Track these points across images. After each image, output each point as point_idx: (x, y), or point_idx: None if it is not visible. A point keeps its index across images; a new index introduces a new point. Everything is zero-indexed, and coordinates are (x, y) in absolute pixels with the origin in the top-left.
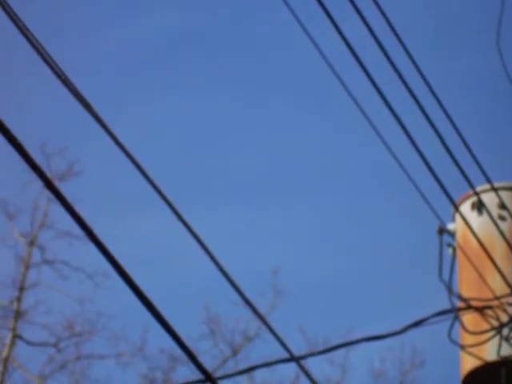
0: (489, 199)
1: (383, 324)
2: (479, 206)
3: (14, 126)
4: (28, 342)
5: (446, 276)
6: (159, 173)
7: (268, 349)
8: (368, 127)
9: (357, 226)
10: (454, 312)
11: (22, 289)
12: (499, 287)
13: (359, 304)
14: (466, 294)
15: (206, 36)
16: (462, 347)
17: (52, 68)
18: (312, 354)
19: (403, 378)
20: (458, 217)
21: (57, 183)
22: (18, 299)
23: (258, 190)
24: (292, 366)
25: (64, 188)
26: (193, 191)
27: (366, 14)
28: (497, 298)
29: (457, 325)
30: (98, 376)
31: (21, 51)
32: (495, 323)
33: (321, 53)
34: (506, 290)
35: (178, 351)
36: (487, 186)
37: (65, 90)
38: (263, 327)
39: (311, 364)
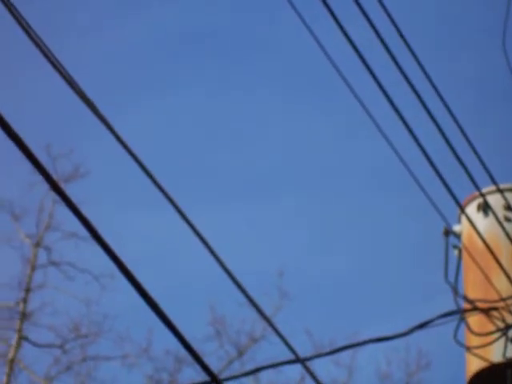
0: (495, 201)
1: (388, 325)
2: (485, 208)
3: (19, 127)
4: (34, 344)
5: (451, 277)
6: (162, 172)
7: (274, 350)
8: (374, 128)
9: (362, 227)
10: (460, 313)
11: (28, 290)
12: (505, 288)
13: (364, 304)
14: (471, 295)
15: (208, 35)
16: (468, 349)
17: (57, 69)
18: (318, 356)
19: (409, 380)
20: (463, 218)
21: (62, 185)
22: (24, 300)
23: (262, 189)
24: (298, 368)
25: (69, 189)
26: (196, 191)
27: (369, 12)
28: (503, 300)
29: (462, 326)
30: (103, 377)
31: (25, 52)
32: (501, 324)
33: (325, 53)
34: None
35: (184, 352)
36: (493, 188)
37: (70, 91)
38: (269, 328)
39: (317, 365)
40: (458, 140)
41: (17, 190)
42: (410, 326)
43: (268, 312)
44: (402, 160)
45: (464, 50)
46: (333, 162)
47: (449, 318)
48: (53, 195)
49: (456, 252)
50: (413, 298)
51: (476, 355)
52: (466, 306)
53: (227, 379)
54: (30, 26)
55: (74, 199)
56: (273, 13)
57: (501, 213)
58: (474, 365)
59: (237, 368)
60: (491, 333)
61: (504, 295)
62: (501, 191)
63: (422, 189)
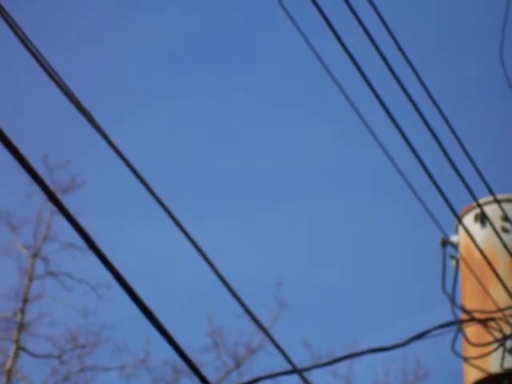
0: (492, 211)
1: (386, 335)
2: (482, 218)
3: (16, 137)
4: (31, 354)
5: (449, 288)
6: (159, 180)
7: (271, 361)
8: (371, 138)
9: (360, 237)
10: (457, 324)
11: (25, 301)
12: (502, 299)
13: (362, 315)
14: (469, 306)
15: (208, 40)
16: (466, 359)
17: (53, 79)
18: (316, 366)
19: None
20: (461, 229)
21: (59, 196)
22: (22, 311)
23: (259, 198)
24: (295, 379)
25: (66, 200)
26: (192, 199)
27: (364, 20)
28: (500, 310)
29: (460, 337)
30: None
31: (21, 62)
32: (498, 335)
33: (321, 61)
34: (510, 302)
35: (182, 363)
36: (490, 198)
37: (66, 101)
38: (266, 339)
39: (315, 376)
40: (455, 150)
41: (14, 201)
42: (407, 337)
43: (266, 322)
44: (399, 170)
45: (463, 57)
46: (332, 168)
47: (446, 328)
48: (50, 206)
49: (453, 262)
50: (410, 309)
51: (474, 366)
52: (463, 316)
53: None
54: (25, 35)
55: (71, 210)
56: (273, 17)
57: (498, 223)
58: (472, 375)
59: (234, 379)
60: (489, 343)
61: (501, 306)
62: (498, 202)
63: (420, 199)
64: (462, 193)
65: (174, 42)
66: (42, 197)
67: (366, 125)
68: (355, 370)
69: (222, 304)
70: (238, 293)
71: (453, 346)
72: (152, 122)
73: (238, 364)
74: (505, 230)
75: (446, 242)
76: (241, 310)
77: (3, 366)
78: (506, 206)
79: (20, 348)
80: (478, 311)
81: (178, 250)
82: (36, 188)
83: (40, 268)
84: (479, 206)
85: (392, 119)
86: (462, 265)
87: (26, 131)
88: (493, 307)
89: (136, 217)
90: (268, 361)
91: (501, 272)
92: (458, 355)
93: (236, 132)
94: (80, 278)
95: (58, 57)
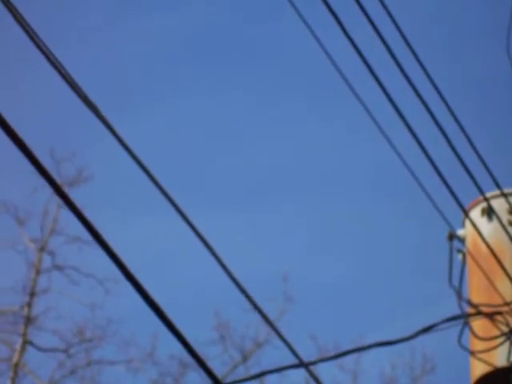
0: (499, 205)
1: (393, 329)
2: (489, 212)
3: (22, 131)
4: (38, 348)
5: (455, 282)
6: (165, 176)
7: (278, 355)
8: (375, 132)
9: (365, 231)
10: (464, 318)
11: (32, 294)
12: (509, 293)
13: (369, 308)
14: (475, 299)
15: (210, 39)
16: (472, 353)
17: (60, 72)
18: (322, 360)
19: None
20: (467, 223)
21: (66, 189)
22: (29, 305)
23: (265, 193)
24: (302, 372)
25: (73, 194)
26: (197, 196)
27: (372, 15)
28: (507, 304)
29: (466, 331)
30: (108, 382)
31: (28, 55)
32: (505, 329)
33: (329, 56)
34: None
35: (188, 357)
36: (497, 192)
37: (73, 95)
38: (273, 333)
39: (321, 370)
40: (461, 144)
41: (21, 194)
42: (414, 331)
43: (272, 316)
44: (405, 164)
45: (468, 51)
46: (334, 166)
47: (453, 322)
48: (57, 199)
49: (460, 256)
50: (417, 303)
51: (480, 359)
52: (470, 310)
53: (231, 383)
54: (32, 29)
55: (78, 203)
56: (274, 15)
57: (505, 217)
58: (478, 369)
59: (241, 372)
60: (495, 337)
61: (508, 300)
62: (505, 196)
63: (426, 193)
64: (468, 187)
65: (175, 42)
66: (48, 190)
67: (373, 118)
68: (362, 364)
69: (228, 298)
70: (245, 287)
71: (459, 340)
72: (152, 121)
73: (245, 358)
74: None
75: (452, 236)
76: (247, 304)
77: (10, 359)
78: None
79: (27, 342)
80: (484, 305)
81: (185, 244)
82: (42, 181)
83: (47, 262)
84: (486, 199)
85: (398, 113)
86: (468, 259)
87: (32, 124)
88: (499, 301)
89: (142, 210)
90: (275, 354)
91: (507, 266)
92: (465, 349)
93: (237, 131)
94: (87, 272)
95: (63, 51)
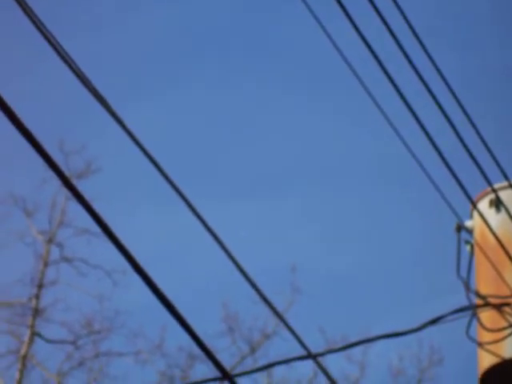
0: (507, 196)
1: (400, 320)
2: (497, 203)
3: (31, 123)
4: (46, 340)
5: (463, 273)
6: (173, 168)
7: (286, 346)
8: (383, 124)
9: (373, 223)
10: (472, 309)
11: (40, 286)
12: None
13: (376, 300)
14: (483, 291)
15: (216, 33)
16: (480, 344)
17: (69, 65)
18: (330, 352)
19: (421, 376)
20: (475, 214)
21: (75, 181)
22: (37, 297)
23: (271, 186)
24: (310, 364)
25: (81, 186)
26: (205, 188)
27: (380, 8)
28: None
29: (474, 322)
30: (116, 373)
31: (37, 49)
32: None
33: (336, 47)
34: None
35: (197, 349)
36: (505, 183)
37: (82, 87)
38: (281, 324)
39: (329, 361)
40: (470, 135)
41: (29, 187)
42: (422, 322)
43: (280, 308)
44: (413, 156)
45: (476, 43)
46: (342, 158)
47: (461, 313)
48: (65, 191)
49: (468, 248)
50: (425, 294)
51: (488, 351)
52: (478, 301)
53: (239, 375)
54: (42, 23)
55: (86, 195)
56: (279, 10)
57: None
58: (486, 360)
59: (249, 364)
60: (503, 328)
61: None
62: None
63: (435, 184)
64: (476, 178)
65: (188, 32)
66: (57, 182)
67: (381, 110)
68: (369, 355)
69: (237, 290)
70: (253, 279)
71: (467, 331)
72: (161, 112)
73: (253, 349)
74: None
75: (460, 228)
76: (256, 296)
77: (18, 351)
78: None
79: (35, 334)
80: (492, 296)
81: (194, 236)
82: (51, 173)
83: (55, 254)
84: (494, 191)
85: (407, 105)
86: (476, 250)
87: (41, 117)
88: (507, 292)
89: (151, 202)
90: (283, 346)
91: None
92: (473, 340)
93: (246, 123)
94: (95, 264)
95: (70, 44)
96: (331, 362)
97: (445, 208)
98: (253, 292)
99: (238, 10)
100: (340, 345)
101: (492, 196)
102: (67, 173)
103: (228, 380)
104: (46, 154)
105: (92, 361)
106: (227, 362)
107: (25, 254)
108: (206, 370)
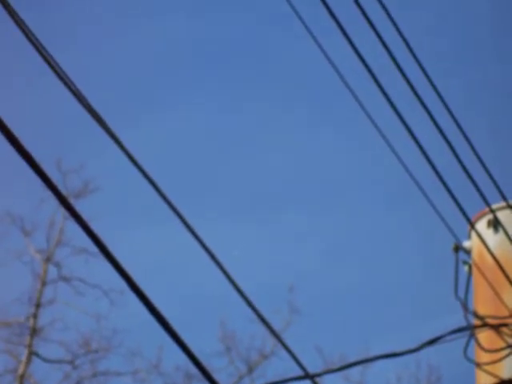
0: (505, 217)
1: (398, 340)
2: (495, 224)
3: (29, 142)
4: (44, 359)
5: (461, 293)
6: (171, 186)
7: (284, 366)
8: (383, 143)
9: (371, 242)
10: (470, 330)
11: (38, 305)
12: None
13: (374, 320)
14: (481, 311)
15: (217, 47)
16: (478, 365)
17: (66, 83)
18: (328, 372)
19: None
20: (473, 234)
21: (72, 201)
22: (34, 316)
23: (269, 204)
24: None
25: (79, 205)
26: (204, 205)
27: (374, 21)
28: None
29: (472, 342)
30: None
31: (34, 67)
32: (511, 341)
33: (331, 63)
34: None
35: (194, 368)
36: (503, 204)
37: (79, 106)
38: (279, 344)
39: (327, 382)
40: (467, 155)
41: (27, 206)
42: (420, 342)
43: (278, 327)
44: (411, 175)
45: (472, 61)
46: (341, 177)
47: (459, 334)
48: (63, 211)
49: (466, 268)
50: (423, 314)
51: (486, 371)
52: (476, 322)
53: None
54: (38, 40)
55: (84, 215)
56: (277, 28)
57: (511, 229)
58: (484, 381)
59: None
60: (501, 349)
61: None
62: (511, 207)
63: (432, 205)
64: (474, 198)
65: (187, 50)
66: (54, 202)
67: (378, 129)
68: (368, 376)
69: (234, 309)
70: (251, 298)
71: (465, 352)
72: (162, 130)
73: (251, 369)
74: None
75: (458, 248)
76: (253, 315)
77: (16, 370)
78: None
79: (32, 353)
80: (490, 317)
81: (191, 255)
82: (49, 193)
83: (53, 273)
84: (492, 211)
85: (403, 123)
86: (474, 270)
87: (39, 136)
88: (505, 313)
89: (148, 221)
90: (280, 366)
91: None
92: (471, 361)
93: (246, 140)
94: (93, 283)
95: (65, 62)
96: (329, 383)
97: (443, 228)
98: (250, 311)
99: (236, 28)
100: (338, 365)
101: (490, 216)
102: (65, 192)
103: None
104: (43, 174)
105: (90, 380)
106: (225, 382)
107: (23, 273)
108: None
